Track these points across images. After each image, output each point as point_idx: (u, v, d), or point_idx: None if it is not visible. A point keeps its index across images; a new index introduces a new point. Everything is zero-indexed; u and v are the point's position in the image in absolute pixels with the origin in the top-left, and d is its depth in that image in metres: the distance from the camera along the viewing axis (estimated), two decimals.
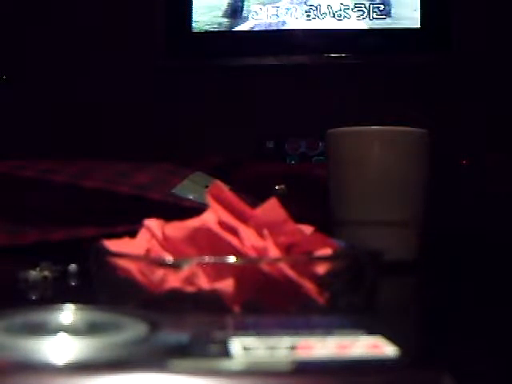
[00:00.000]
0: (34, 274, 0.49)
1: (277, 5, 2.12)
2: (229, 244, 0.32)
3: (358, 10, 2.10)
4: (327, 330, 0.23)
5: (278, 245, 0.32)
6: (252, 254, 0.32)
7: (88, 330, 0.23)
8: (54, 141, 2.00)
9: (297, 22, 2.12)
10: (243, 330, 0.23)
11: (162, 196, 0.67)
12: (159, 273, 0.30)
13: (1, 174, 0.69)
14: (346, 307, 0.31)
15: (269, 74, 2.09)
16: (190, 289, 0.30)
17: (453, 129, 1.91)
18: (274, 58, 2.11)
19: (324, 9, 2.11)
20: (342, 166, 0.62)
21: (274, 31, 2.13)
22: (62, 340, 0.21)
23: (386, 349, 0.21)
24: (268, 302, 0.30)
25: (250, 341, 0.21)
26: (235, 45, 2.12)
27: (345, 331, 0.23)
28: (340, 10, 2.10)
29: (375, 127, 0.63)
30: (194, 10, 2.11)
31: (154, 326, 0.22)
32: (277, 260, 0.31)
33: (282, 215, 0.33)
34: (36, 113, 2.09)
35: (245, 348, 0.21)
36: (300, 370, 0.20)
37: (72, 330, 0.22)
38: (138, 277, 0.31)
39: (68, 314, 0.24)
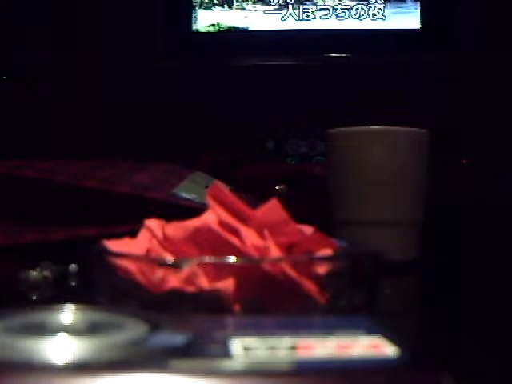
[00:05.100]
0: (34, 274, 0.49)
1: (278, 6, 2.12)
2: (230, 244, 0.32)
3: (359, 10, 2.10)
4: (327, 329, 0.23)
5: (278, 245, 0.32)
6: (253, 253, 0.32)
7: (88, 330, 0.23)
8: (54, 141, 2.00)
9: (297, 22, 2.12)
10: (243, 330, 0.23)
11: (162, 196, 0.67)
12: (159, 273, 0.30)
13: (1, 173, 0.69)
14: (346, 307, 0.31)
15: (269, 74, 2.09)
16: (190, 289, 0.30)
17: (453, 129, 1.91)
18: (274, 58, 2.11)
19: (324, 9, 2.11)
20: (342, 166, 0.62)
21: (274, 31, 2.13)
22: (62, 340, 0.21)
23: (386, 349, 0.21)
24: (268, 302, 0.30)
25: (251, 341, 0.21)
26: (235, 45, 2.12)
27: (345, 331, 0.23)
28: (340, 11, 2.10)
29: (375, 127, 0.63)
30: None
31: (154, 326, 0.22)
32: (278, 260, 0.31)
33: (282, 215, 0.33)
34: (36, 113, 2.09)
35: (245, 348, 0.21)
36: (300, 369, 0.20)
37: (72, 330, 0.22)
38: (138, 277, 0.31)
39: (68, 314, 0.24)
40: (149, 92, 2.11)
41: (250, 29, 2.12)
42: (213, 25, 2.12)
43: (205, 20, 2.12)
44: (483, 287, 0.54)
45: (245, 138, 2.00)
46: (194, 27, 2.12)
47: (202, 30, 2.13)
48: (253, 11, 2.11)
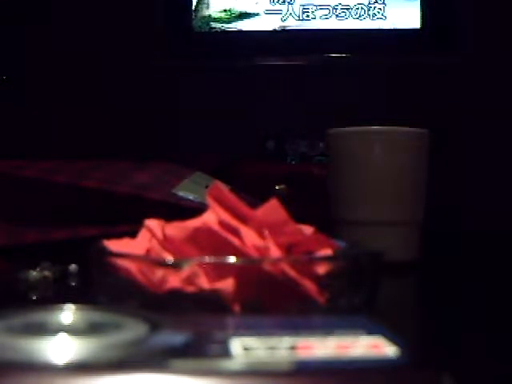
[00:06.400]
0: (34, 274, 0.49)
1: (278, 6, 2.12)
2: (230, 244, 0.32)
3: (359, 11, 2.10)
4: (327, 329, 0.23)
5: (278, 245, 0.32)
6: (253, 253, 0.32)
7: (88, 330, 0.23)
8: (54, 141, 2.00)
9: (297, 22, 2.12)
10: (243, 329, 0.23)
11: (162, 196, 0.67)
12: (159, 273, 0.30)
13: (1, 174, 0.69)
14: (346, 307, 0.31)
15: (269, 74, 2.09)
16: (190, 289, 0.30)
17: (453, 129, 1.91)
18: (274, 58, 2.11)
19: (324, 9, 2.11)
20: (342, 166, 0.62)
21: (274, 31, 2.13)
22: (62, 340, 0.21)
23: (386, 349, 0.21)
24: (268, 302, 0.30)
25: (250, 341, 0.21)
26: (235, 45, 2.12)
27: (345, 331, 0.23)
28: (340, 11, 2.10)
29: (375, 127, 0.63)
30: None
31: (154, 326, 0.22)
32: (277, 260, 0.31)
33: (282, 215, 0.33)
34: (36, 113, 2.09)
35: (245, 348, 0.21)
36: (300, 369, 0.20)
37: (72, 330, 0.22)
38: (138, 277, 0.31)
39: (68, 314, 0.24)
40: (149, 92, 2.11)
41: (260, 14, 2.12)
42: (225, 10, 2.12)
43: (217, 6, 2.13)
44: (483, 287, 0.54)
45: (245, 138, 2.00)
46: (207, 13, 2.13)
47: (215, 15, 2.13)
48: None
